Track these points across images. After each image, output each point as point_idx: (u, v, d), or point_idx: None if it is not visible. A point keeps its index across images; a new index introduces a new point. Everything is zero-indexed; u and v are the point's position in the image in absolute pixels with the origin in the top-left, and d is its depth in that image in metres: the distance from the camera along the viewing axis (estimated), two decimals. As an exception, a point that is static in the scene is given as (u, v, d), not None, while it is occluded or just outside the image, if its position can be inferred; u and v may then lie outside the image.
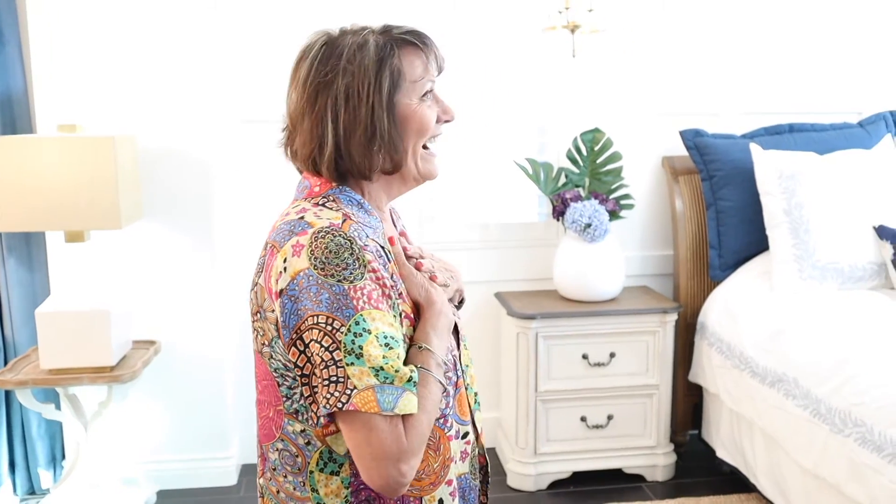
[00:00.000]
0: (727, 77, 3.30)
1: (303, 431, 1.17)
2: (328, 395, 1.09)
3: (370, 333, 1.10)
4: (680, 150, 3.23)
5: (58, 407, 2.76)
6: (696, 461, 3.22)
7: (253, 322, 1.22)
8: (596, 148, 3.12)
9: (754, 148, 2.99)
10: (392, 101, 1.20)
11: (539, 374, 2.98)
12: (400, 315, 1.17)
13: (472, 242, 3.28)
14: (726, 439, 2.96)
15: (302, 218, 1.16)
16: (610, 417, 3.04)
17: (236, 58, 3.00)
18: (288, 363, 1.15)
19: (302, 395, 1.15)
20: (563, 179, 3.16)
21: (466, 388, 1.33)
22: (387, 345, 1.11)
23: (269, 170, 2.97)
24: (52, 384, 2.52)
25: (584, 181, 3.14)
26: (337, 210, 1.19)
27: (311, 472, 1.18)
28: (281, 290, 1.13)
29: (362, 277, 1.12)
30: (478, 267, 3.28)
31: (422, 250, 1.36)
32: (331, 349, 1.09)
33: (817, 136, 3.15)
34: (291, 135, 1.25)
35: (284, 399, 1.18)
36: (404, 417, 1.10)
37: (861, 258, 2.81)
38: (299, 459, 1.19)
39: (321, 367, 1.10)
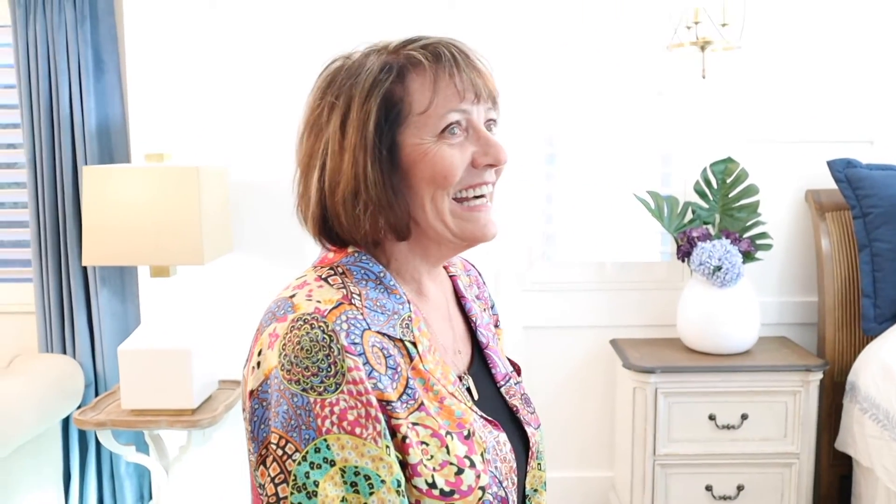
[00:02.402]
0: (883, 98, 2.86)
1: None
2: None
3: (332, 466, 0.83)
4: (827, 183, 2.82)
5: (139, 448, 2.65)
6: (844, 543, 2.78)
7: (244, 419, 0.95)
8: (728, 180, 2.77)
9: (919, 181, 2.57)
10: (391, 140, 0.93)
11: (658, 434, 2.64)
12: (401, 440, 0.88)
13: (586, 283, 2.98)
14: (882, 522, 2.52)
15: (292, 297, 0.92)
16: (740, 488, 2.66)
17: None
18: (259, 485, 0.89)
19: None
20: (689, 215, 2.82)
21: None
22: (353, 484, 0.83)
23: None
24: (131, 426, 2.39)
25: (713, 217, 2.79)
26: (339, 288, 0.93)
27: None
28: (252, 391, 0.89)
29: (335, 390, 0.84)
30: (592, 310, 2.98)
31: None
32: (276, 482, 0.83)
33: None
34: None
35: None
36: None
37: None
38: None
39: None
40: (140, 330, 2.55)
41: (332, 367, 0.85)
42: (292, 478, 0.83)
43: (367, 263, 0.97)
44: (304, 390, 0.84)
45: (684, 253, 2.75)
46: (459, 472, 0.90)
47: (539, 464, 1.07)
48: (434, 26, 2.49)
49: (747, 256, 2.71)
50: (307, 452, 0.83)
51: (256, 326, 0.95)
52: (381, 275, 0.97)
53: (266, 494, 0.85)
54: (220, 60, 2.70)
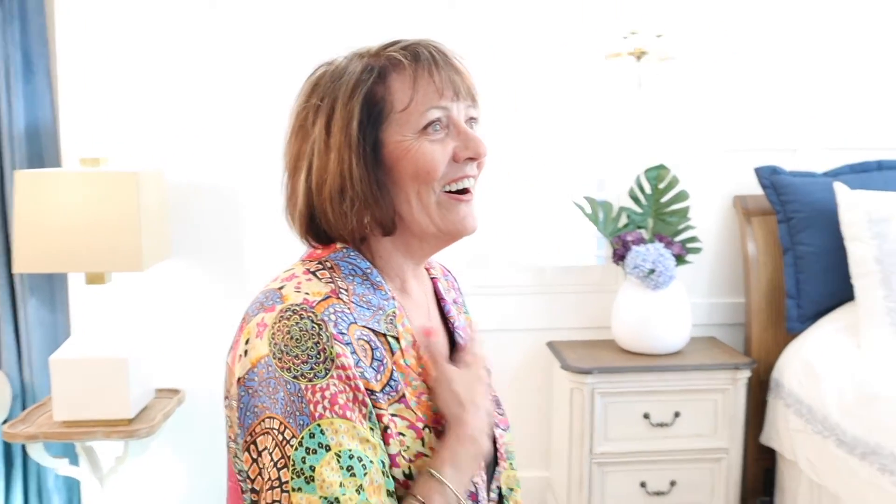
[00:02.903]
0: (807, 109, 3.00)
1: None
2: None
3: (328, 451, 0.85)
4: (753, 189, 2.94)
5: (73, 461, 2.57)
6: (770, 534, 2.90)
7: (224, 406, 0.99)
8: (661, 186, 2.86)
9: (839, 188, 2.70)
10: (374, 138, 0.97)
11: (595, 434, 2.70)
12: (385, 428, 0.92)
13: (524, 287, 3.03)
14: (806, 512, 2.64)
15: (280, 288, 0.95)
16: (673, 483, 2.75)
17: (272, 88, 2.82)
18: (244, 471, 0.92)
19: None
20: (624, 220, 2.90)
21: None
22: (349, 468, 0.86)
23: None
24: (65, 438, 2.32)
25: (647, 222, 2.88)
26: (328, 283, 0.96)
27: None
28: (240, 378, 0.91)
29: (325, 375, 0.87)
30: (530, 313, 3.03)
31: (478, 346, 1.06)
32: (278, 465, 0.86)
33: (910, 174, 2.85)
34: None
35: None
36: None
37: (963, 314, 2.50)
38: None
39: (266, 489, 0.87)
40: (72, 339, 2.48)
41: (322, 353, 0.88)
42: (291, 462, 0.85)
43: (354, 259, 1.00)
44: (295, 377, 0.87)
45: (619, 256, 2.82)
46: None
47: (511, 463, 1.12)
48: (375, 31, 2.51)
49: (679, 259, 2.80)
50: (303, 438, 0.86)
51: (242, 315, 0.97)
52: (369, 271, 1.00)
53: (269, 478, 0.87)
54: (153, 60, 2.64)
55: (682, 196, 2.85)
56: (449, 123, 0.99)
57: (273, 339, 0.89)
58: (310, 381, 0.87)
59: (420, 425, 0.95)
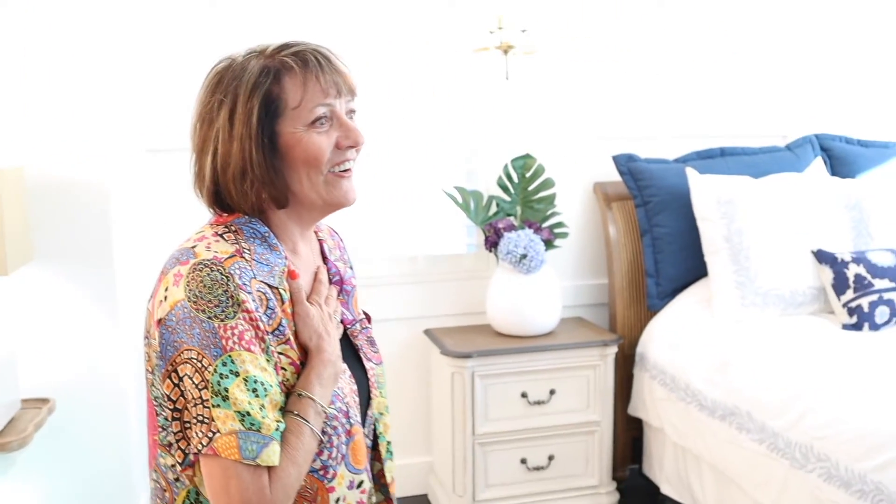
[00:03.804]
0: (657, 100, 3.22)
1: (173, 466, 1.14)
2: (192, 436, 1.07)
3: (237, 376, 1.07)
4: (612, 176, 3.12)
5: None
6: (639, 498, 3.09)
7: (144, 344, 1.18)
8: (527, 175, 2.98)
9: (690, 173, 2.91)
10: (271, 130, 1.15)
11: (476, 415, 2.79)
12: (275, 362, 1.13)
13: (398, 277, 3.08)
14: (671, 475, 2.84)
15: (193, 247, 1.14)
16: (551, 458, 2.88)
17: (140, 81, 2.72)
18: (163, 395, 1.11)
19: (173, 431, 1.12)
20: (494, 208, 3.00)
21: (378, 438, 1.32)
22: (254, 390, 1.07)
23: (179, 205, 2.68)
24: (-75, 457, 2.16)
25: (515, 210, 2.99)
26: (233, 244, 1.15)
27: None
28: (160, 320, 1.10)
29: (234, 316, 1.08)
30: (405, 303, 3.08)
31: (329, 296, 1.28)
32: (199, 387, 1.07)
33: (748, 159, 3.11)
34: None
35: (160, 430, 1.15)
36: (270, 469, 1.07)
37: (801, 283, 2.76)
38: (167, 494, 1.16)
39: (192, 405, 1.08)
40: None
41: (230, 299, 1.08)
42: (210, 385, 1.06)
43: (255, 225, 1.19)
44: (209, 318, 1.07)
45: (492, 243, 2.92)
46: None
47: (381, 392, 1.34)
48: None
49: (548, 244, 2.93)
50: (217, 365, 1.06)
51: (161, 269, 1.15)
52: (266, 235, 1.19)
53: (192, 397, 1.07)
54: (9, 48, 2.48)
55: (548, 184, 2.99)
56: (333, 117, 1.19)
57: (188, 286, 1.08)
58: (222, 321, 1.07)
59: (299, 363, 1.17)
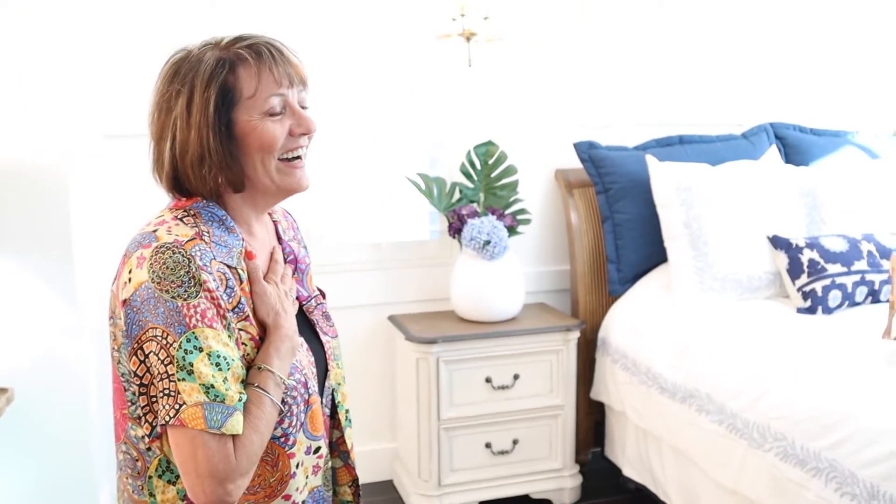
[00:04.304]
0: (618, 88, 3.27)
1: (143, 437, 1.20)
2: (159, 409, 1.12)
3: (201, 351, 1.12)
4: (574, 163, 3.16)
5: None
6: (602, 480, 3.15)
7: (109, 324, 1.24)
8: (490, 161, 3.00)
9: (650, 160, 2.96)
10: (227, 118, 1.20)
11: (441, 400, 2.82)
12: (236, 338, 1.19)
13: (362, 263, 3.08)
14: (633, 457, 2.89)
15: (154, 231, 1.18)
16: (515, 442, 2.92)
17: (96, 66, 2.68)
18: (130, 371, 1.17)
19: (140, 405, 1.17)
20: (457, 195, 3.02)
21: (337, 406, 1.39)
22: (217, 364, 1.13)
23: (136, 190, 2.64)
24: None
25: (478, 196, 3.01)
26: (192, 227, 1.20)
27: (150, 476, 1.21)
28: (125, 300, 1.15)
29: (196, 296, 1.13)
30: (370, 289, 3.09)
31: (284, 274, 1.34)
32: (165, 363, 1.11)
33: (706, 147, 3.17)
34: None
35: (129, 404, 1.21)
36: (235, 437, 1.12)
37: (758, 268, 2.83)
38: (139, 463, 1.22)
39: (158, 379, 1.12)
40: None
41: (192, 279, 1.13)
42: (175, 360, 1.11)
43: (213, 208, 1.24)
44: (173, 297, 1.12)
45: (455, 230, 2.94)
46: None
47: (337, 363, 1.41)
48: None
49: (511, 231, 2.96)
50: (181, 342, 1.11)
51: (123, 252, 1.20)
52: (224, 218, 1.24)
53: (158, 373, 1.12)
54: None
55: (510, 170, 3.01)
56: (286, 106, 1.24)
57: (151, 268, 1.13)
58: (185, 300, 1.12)
59: (258, 338, 1.23)
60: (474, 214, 2.93)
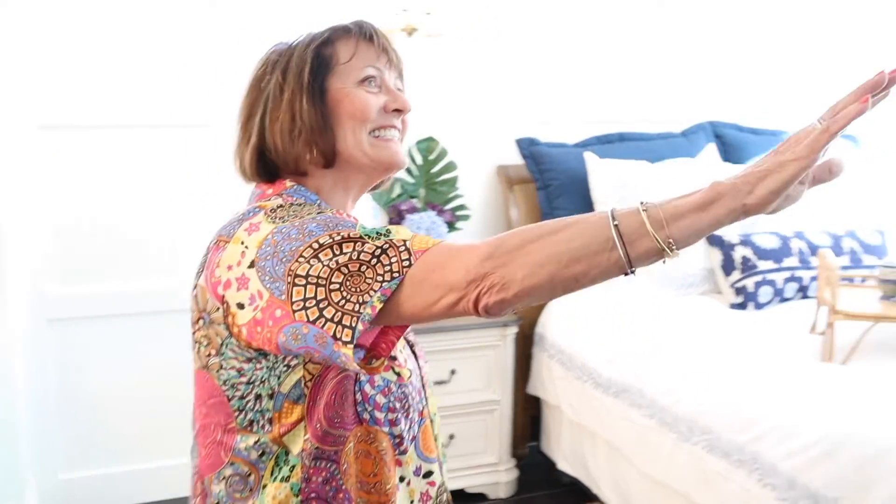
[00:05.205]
0: (559, 85, 3.29)
1: (256, 443, 1.07)
2: (379, 274, 0.93)
3: (389, 232, 0.97)
4: (515, 160, 3.17)
5: None
6: (537, 474, 3.17)
7: (194, 334, 1.09)
8: (431, 157, 3.01)
9: (589, 157, 2.99)
10: (320, 84, 1.14)
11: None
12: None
13: (301, 257, 3.05)
14: (567, 451, 2.92)
15: (255, 208, 1.08)
16: (451, 437, 2.92)
17: (31, 54, 2.62)
18: (242, 362, 1.04)
19: (288, 364, 1.04)
20: (397, 190, 3.01)
21: (435, 438, 1.21)
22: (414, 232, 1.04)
23: (74, 183, 2.59)
24: None
25: (419, 192, 3.02)
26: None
27: (265, 485, 1.08)
28: (252, 261, 1.00)
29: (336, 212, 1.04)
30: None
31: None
32: (357, 246, 0.95)
33: (645, 144, 3.21)
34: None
35: (237, 413, 1.07)
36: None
37: (692, 265, 2.87)
38: (251, 478, 1.08)
39: (355, 264, 0.94)
40: None
41: (319, 208, 1.07)
42: (367, 236, 0.95)
43: (305, 192, 1.14)
44: (318, 213, 1.02)
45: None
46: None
47: (431, 391, 1.25)
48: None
49: (450, 226, 2.97)
50: (358, 226, 0.98)
51: (212, 241, 1.08)
52: (318, 202, 1.14)
53: (349, 270, 0.94)
54: None
55: (450, 167, 3.02)
56: (382, 83, 1.16)
57: (274, 221, 1.02)
58: (332, 210, 1.04)
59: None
60: (414, 210, 2.92)
